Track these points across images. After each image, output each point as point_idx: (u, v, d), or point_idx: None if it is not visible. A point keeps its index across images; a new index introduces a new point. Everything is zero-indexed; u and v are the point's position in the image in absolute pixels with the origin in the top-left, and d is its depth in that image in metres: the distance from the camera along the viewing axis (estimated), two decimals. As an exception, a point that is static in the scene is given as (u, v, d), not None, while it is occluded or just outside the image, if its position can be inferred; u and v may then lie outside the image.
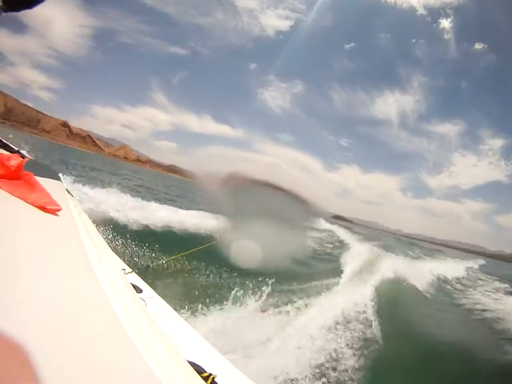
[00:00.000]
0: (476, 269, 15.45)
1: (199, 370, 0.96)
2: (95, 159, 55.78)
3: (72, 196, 1.87)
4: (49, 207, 1.23)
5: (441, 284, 9.79)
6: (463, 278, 11.54)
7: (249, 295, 5.00)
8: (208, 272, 5.83)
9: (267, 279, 5.83)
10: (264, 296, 5.03)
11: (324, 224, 13.47)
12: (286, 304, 5.10)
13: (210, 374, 0.97)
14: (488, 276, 13.69)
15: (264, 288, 5.33)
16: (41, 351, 0.49)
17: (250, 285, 5.50)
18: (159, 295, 1.98)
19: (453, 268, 12.26)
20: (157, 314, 1.55)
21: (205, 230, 7.74)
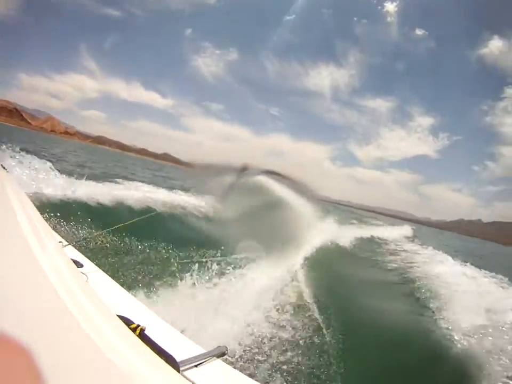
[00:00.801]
0: (409, 233, 16.88)
1: (128, 322, 1.03)
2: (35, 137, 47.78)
3: (6, 170, 1.77)
4: None
5: (374, 246, 10.60)
6: (395, 240, 12.47)
7: (187, 270, 4.61)
8: (147, 245, 5.59)
9: (206, 251, 5.82)
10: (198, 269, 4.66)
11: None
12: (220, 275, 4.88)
13: (139, 325, 1.05)
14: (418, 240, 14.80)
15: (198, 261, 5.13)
16: None
17: (190, 257, 5.41)
18: (99, 267, 1.98)
19: (388, 232, 13.57)
20: (98, 286, 1.64)
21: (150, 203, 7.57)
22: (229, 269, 5.08)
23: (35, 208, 1.26)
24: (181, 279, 4.34)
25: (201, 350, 1.33)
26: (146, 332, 1.06)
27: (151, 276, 4.47)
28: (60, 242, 1.82)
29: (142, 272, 4.50)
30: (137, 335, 0.95)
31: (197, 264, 4.59)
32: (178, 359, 1.08)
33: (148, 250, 5.44)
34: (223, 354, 1.35)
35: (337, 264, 7.46)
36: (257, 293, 4.45)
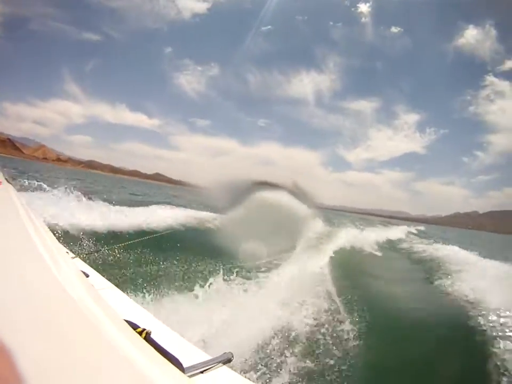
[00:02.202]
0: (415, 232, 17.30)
1: (134, 326, 1.05)
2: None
3: (12, 185, 1.75)
4: None
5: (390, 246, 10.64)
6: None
7: (204, 278, 4.88)
8: (166, 260, 5.77)
9: (226, 261, 5.97)
10: (222, 276, 4.98)
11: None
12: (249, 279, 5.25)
13: (144, 329, 1.06)
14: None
15: (221, 269, 5.37)
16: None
17: (206, 268, 5.59)
18: (106, 278, 2.05)
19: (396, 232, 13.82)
20: (105, 294, 1.68)
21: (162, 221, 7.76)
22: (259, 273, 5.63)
23: (42, 220, 1.36)
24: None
25: (207, 356, 1.33)
26: (151, 336, 1.07)
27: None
28: (67, 253, 1.91)
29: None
30: (143, 338, 0.95)
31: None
32: (184, 365, 1.10)
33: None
34: (229, 360, 1.34)
35: (361, 264, 7.36)
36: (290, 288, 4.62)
